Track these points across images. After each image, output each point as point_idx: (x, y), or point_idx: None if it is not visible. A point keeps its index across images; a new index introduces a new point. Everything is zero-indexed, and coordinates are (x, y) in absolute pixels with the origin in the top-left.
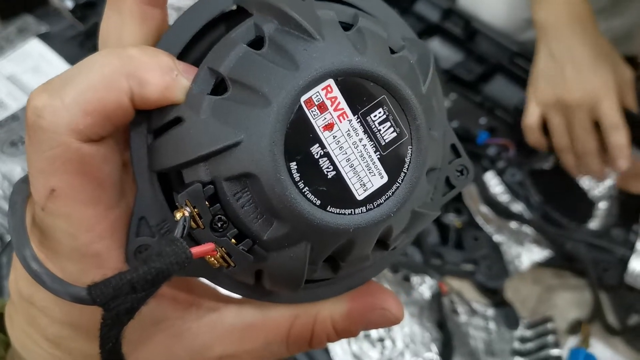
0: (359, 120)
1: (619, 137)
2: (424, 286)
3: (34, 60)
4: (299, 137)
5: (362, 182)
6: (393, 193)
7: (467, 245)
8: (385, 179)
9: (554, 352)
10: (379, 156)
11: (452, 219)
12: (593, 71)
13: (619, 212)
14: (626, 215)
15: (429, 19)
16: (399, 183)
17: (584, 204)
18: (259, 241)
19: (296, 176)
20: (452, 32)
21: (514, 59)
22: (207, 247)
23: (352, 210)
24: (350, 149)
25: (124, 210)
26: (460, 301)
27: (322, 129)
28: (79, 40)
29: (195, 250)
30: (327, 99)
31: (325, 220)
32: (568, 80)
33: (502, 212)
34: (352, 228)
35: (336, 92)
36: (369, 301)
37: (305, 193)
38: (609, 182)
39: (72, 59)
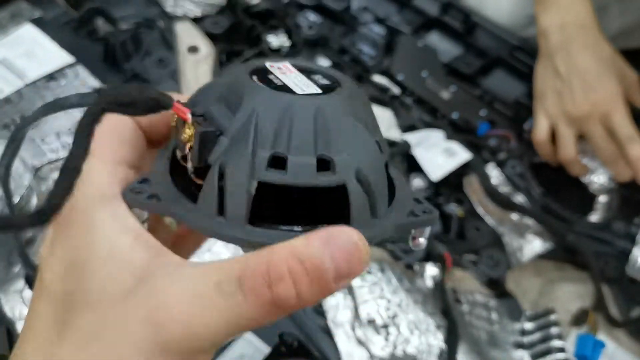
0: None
1: (636, 149)
2: (427, 274)
3: (28, 45)
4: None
5: (300, 88)
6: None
7: (469, 236)
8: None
9: (558, 343)
10: (314, 84)
11: (455, 209)
12: (599, 82)
13: (619, 205)
14: (627, 209)
15: (428, 12)
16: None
17: (584, 197)
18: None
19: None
20: (451, 26)
21: (514, 53)
22: (185, 110)
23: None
24: (292, 78)
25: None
26: (463, 291)
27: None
28: (72, 26)
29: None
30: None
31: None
32: (575, 94)
33: (504, 203)
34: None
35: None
36: (330, 228)
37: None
38: (609, 176)
39: (66, 45)
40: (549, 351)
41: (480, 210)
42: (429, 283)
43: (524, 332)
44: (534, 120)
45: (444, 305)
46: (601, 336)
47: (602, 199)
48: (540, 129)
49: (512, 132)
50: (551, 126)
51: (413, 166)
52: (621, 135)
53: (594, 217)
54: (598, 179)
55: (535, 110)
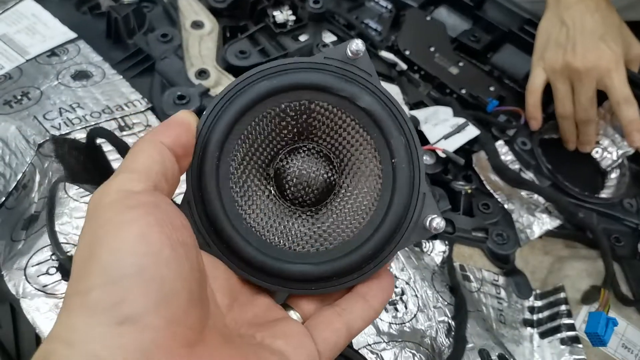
0: None
1: (632, 111)
2: (435, 252)
3: (29, 20)
4: None
5: None
6: None
7: (478, 213)
8: None
9: (567, 321)
10: None
11: (463, 186)
12: (604, 42)
13: (631, 181)
14: (639, 185)
15: None
16: None
17: (595, 174)
18: None
19: None
20: (460, 0)
21: (524, 27)
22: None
23: None
24: None
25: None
26: (471, 268)
27: None
28: (74, 2)
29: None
30: None
31: None
32: (578, 47)
33: (513, 179)
34: None
35: None
36: None
37: None
38: (620, 152)
39: (67, 20)
40: (558, 329)
41: (489, 187)
42: (438, 260)
43: (533, 310)
44: (531, 71)
45: (452, 282)
46: (611, 314)
47: (614, 175)
48: (536, 77)
49: (522, 108)
50: (547, 80)
51: (421, 143)
52: (618, 96)
53: (605, 194)
54: (610, 155)
55: (533, 62)
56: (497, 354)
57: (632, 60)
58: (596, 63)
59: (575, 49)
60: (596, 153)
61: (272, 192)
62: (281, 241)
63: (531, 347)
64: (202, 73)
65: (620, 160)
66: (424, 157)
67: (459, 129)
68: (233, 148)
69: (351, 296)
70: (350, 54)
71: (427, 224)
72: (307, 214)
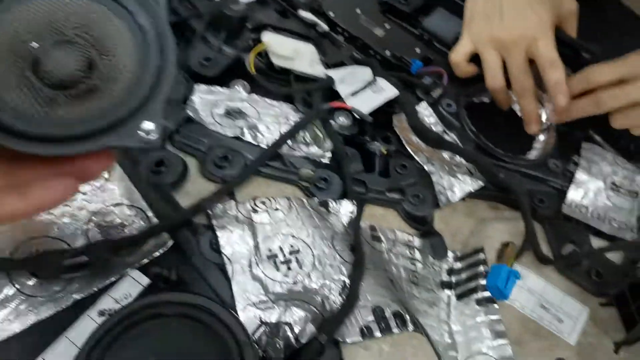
0: None
1: (556, 73)
2: (342, 212)
3: None
4: None
5: None
6: None
7: (394, 174)
8: None
9: (484, 282)
10: None
11: (379, 146)
12: (530, 8)
13: (556, 143)
14: (564, 146)
15: None
16: None
17: (523, 137)
18: None
19: None
20: None
21: None
22: None
23: None
24: None
25: None
26: (384, 229)
27: None
28: None
29: None
30: None
31: None
32: (505, 17)
33: (433, 140)
34: None
35: None
36: None
37: None
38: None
39: None
40: (475, 290)
41: (410, 149)
42: (345, 220)
43: (452, 272)
44: (459, 41)
45: (355, 240)
46: (531, 274)
47: (542, 137)
48: (460, 48)
49: (444, 69)
50: (475, 50)
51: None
52: (543, 60)
53: (532, 156)
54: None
55: (462, 33)
56: (392, 311)
57: (566, 16)
58: (522, 32)
59: (503, 19)
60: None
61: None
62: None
63: (448, 309)
64: None
65: (549, 123)
66: (339, 118)
67: (375, 88)
68: None
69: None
70: None
71: (141, 126)
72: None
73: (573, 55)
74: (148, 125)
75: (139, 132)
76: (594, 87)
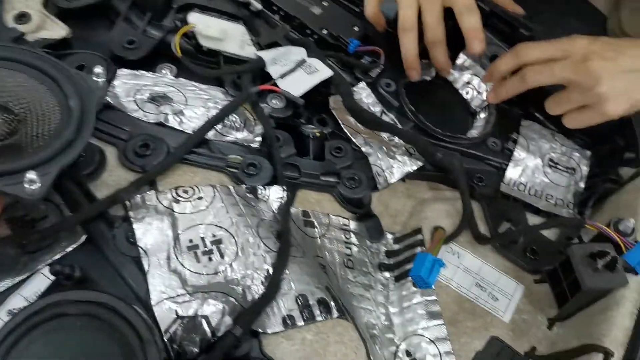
0: None
1: (473, 19)
2: (272, 199)
3: None
4: None
5: None
6: None
7: (329, 157)
8: None
9: None
10: None
11: (312, 129)
12: None
13: (496, 120)
14: (504, 124)
15: None
16: None
17: (466, 116)
18: None
19: None
20: None
21: None
22: None
23: None
24: None
25: None
26: (317, 214)
27: None
28: None
29: None
30: None
31: None
32: None
33: (370, 121)
34: None
35: None
36: None
37: None
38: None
39: None
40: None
41: (347, 130)
42: (275, 207)
43: (390, 254)
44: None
45: (282, 228)
46: (467, 254)
47: (482, 115)
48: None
49: (382, 49)
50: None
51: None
52: (460, 5)
53: (472, 134)
54: (480, 95)
55: None
56: (316, 298)
57: None
58: None
59: None
60: (467, 94)
61: None
62: None
63: (386, 291)
64: (22, 17)
65: (487, 102)
66: (272, 101)
67: (308, 69)
68: None
69: None
70: None
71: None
72: None
73: (510, 31)
74: (31, 175)
75: (23, 182)
76: (523, 64)
